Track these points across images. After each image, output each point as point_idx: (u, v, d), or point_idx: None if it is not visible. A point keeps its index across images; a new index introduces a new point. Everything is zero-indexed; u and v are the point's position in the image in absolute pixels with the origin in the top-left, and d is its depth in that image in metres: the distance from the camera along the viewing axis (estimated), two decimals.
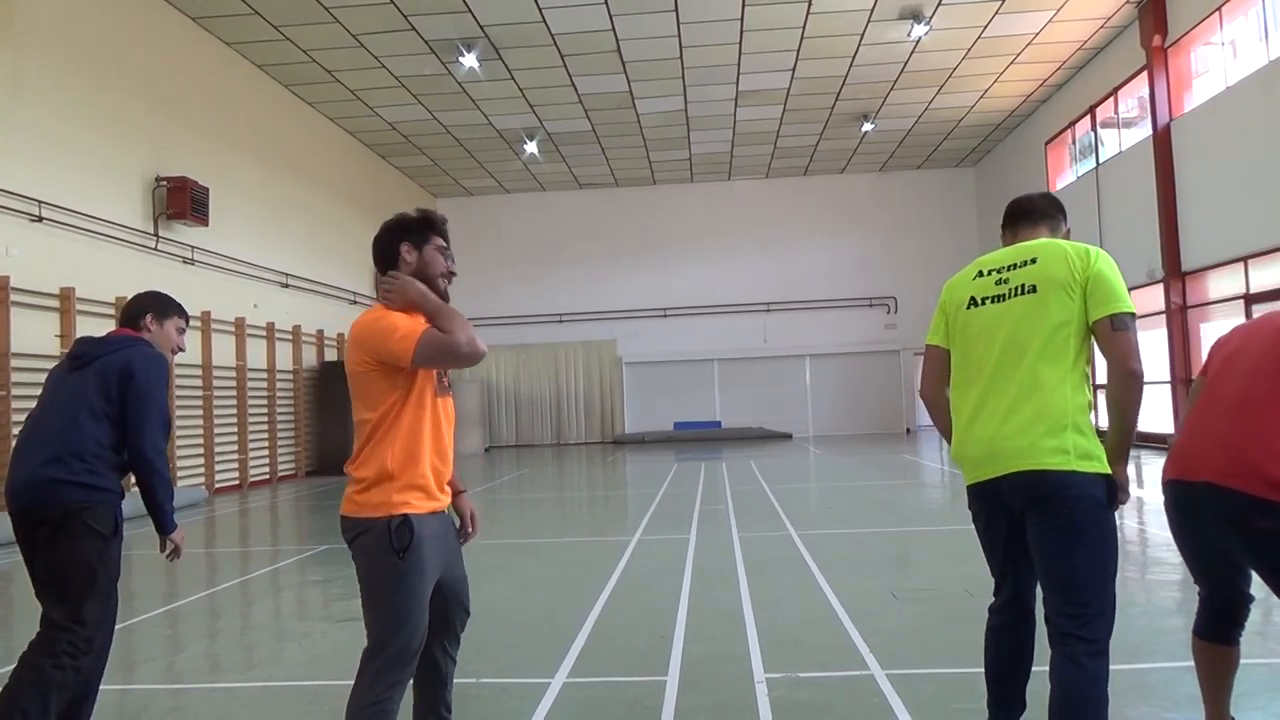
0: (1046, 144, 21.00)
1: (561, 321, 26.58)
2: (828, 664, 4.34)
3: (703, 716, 3.68)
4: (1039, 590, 2.81)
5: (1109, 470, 2.63)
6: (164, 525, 3.43)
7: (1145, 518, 8.78)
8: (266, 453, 16.29)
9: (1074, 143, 20.17)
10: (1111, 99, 17.96)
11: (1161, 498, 3.07)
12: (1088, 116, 19.03)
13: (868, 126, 21.35)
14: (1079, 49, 17.54)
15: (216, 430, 14.54)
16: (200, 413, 14.21)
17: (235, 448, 15.23)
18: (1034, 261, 2.78)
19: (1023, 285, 2.76)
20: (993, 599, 2.99)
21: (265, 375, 16.35)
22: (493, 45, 15.82)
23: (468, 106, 18.92)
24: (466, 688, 4.17)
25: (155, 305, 3.68)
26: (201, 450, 14.18)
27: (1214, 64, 14.89)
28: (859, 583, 5.98)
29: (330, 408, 17.84)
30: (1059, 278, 2.71)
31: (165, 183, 13.33)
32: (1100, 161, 18.61)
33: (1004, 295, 2.79)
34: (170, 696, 4.30)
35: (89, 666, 3.21)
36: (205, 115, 14.78)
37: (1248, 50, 13.87)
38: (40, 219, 10.87)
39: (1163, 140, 15.62)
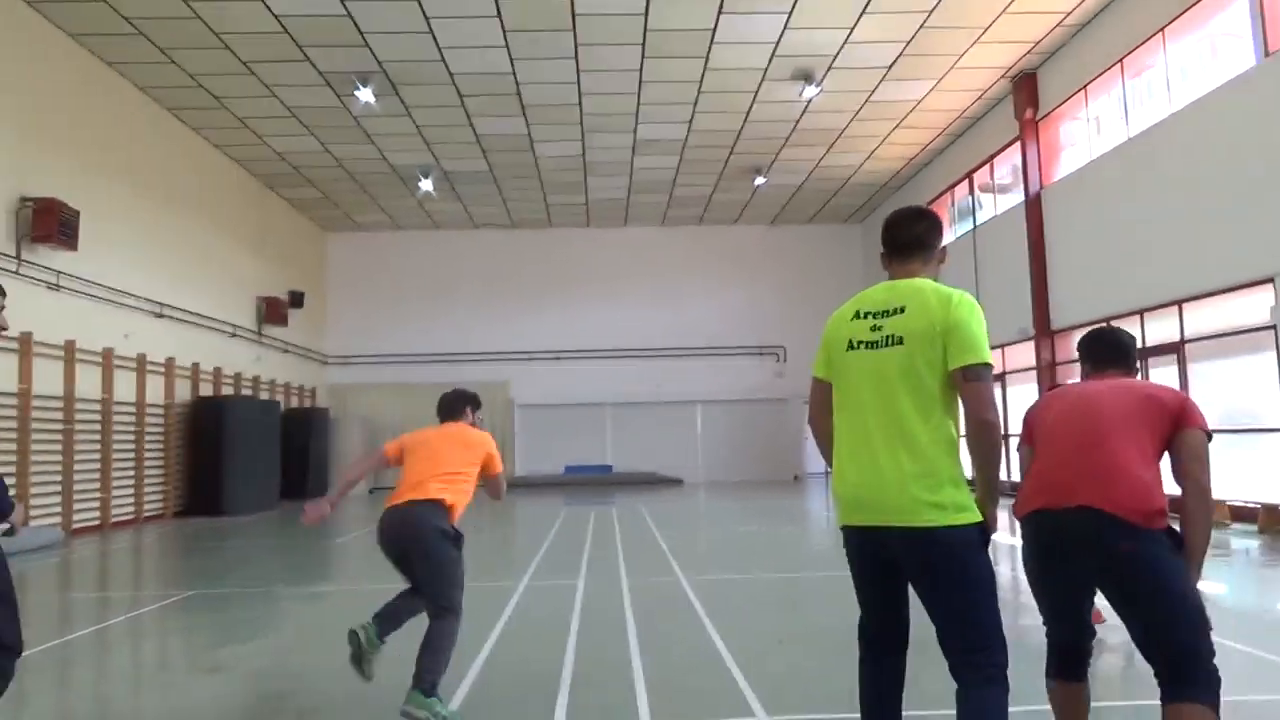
0: (928, 204, 22.02)
1: (452, 362, 26.15)
2: (715, 710, 4.31)
3: None
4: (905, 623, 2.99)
5: (980, 517, 2.76)
6: None
7: (1017, 564, 9.12)
8: (132, 492, 15.38)
9: (953, 204, 21.21)
10: (988, 165, 18.99)
11: (1018, 538, 3.25)
12: (965, 181, 20.06)
13: (760, 180, 21.96)
14: (958, 117, 18.53)
15: (77, 467, 13.65)
16: (60, 448, 13.32)
17: (97, 486, 14.32)
18: (902, 311, 2.84)
19: (891, 336, 2.83)
20: (861, 632, 3.06)
21: (134, 409, 15.49)
22: (390, 81, 15.65)
23: (362, 140, 18.62)
24: None
25: None
26: (60, 488, 13.27)
27: (1080, 138, 15.94)
28: (746, 627, 5.99)
29: (204, 445, 16.99)
30: (921, 330, 2.78)
31: (30, 204, 12.60)
32: (977, 224, 19.62)
33: (877, 343, 2.86)
34: None
35: None
36: (80, 136, 14.08)
37: (1110, 126, 14.91)
38: None
39: (1034, 206, 16.58)
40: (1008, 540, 10.08)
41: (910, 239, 3.06)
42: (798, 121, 18.20)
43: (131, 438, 15.42)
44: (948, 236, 21.45)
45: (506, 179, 21.66)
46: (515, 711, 4.37)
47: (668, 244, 26.72)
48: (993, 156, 18.61)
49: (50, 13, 13.04)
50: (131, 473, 15.38)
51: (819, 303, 25.99)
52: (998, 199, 18.95)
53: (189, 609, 7.55)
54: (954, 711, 2.72)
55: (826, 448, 3.07)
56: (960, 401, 2.78)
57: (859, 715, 3.03)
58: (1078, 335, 15.53)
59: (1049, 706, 3.36)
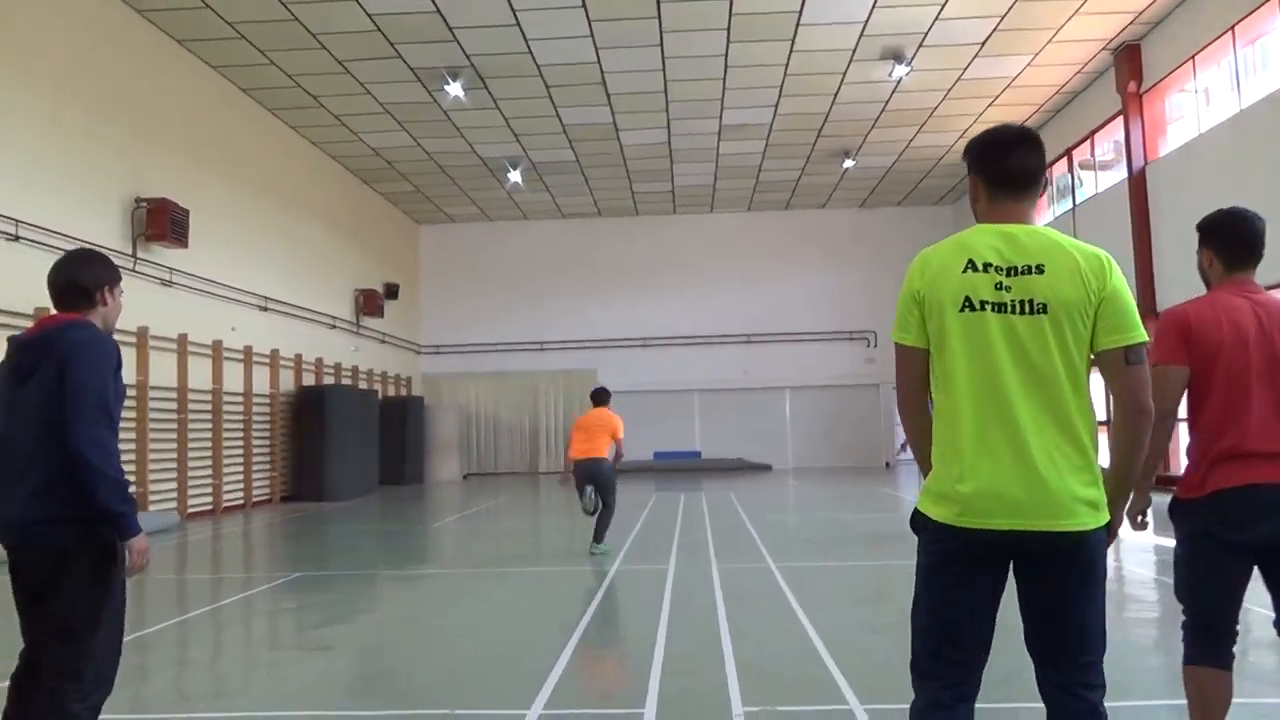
0: None
1: (542, 350, 26.54)
2: (806, 698, 4.30)
3: None
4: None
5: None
6: (122, 531, 2.91)
7: (1121, 556, 8.82)
8: (241, 478, 16.09)
9: (1051, 183, 20.48)
10: (1088, 142, 18.27)
11: (1186, 518, 3.07)
12: (1065, 159, 19.35)
13: (849, 163, 21.59)
14: (1056, 93, 17.86)
15: (191, 454, 14.35)
16: (175, 436, 14.02)
17: (210, 472, 15.03)
18: (1040, 270, 2.29)
19: (1030, 302, 2.27)
20: (930, 681, 2.38)
21: (242, 399, 16.19)
22: (478, 74, 15.91)
23: (452, 134, 18.98)
24: (439, 719, 4.11)
25: (108, 271, 3.15)
26: (175, 474, 13.98)
27: (1188, 110, 15.20)
28: (838, 616, 5.95)
29: (307, 433, 17.66)
30: (1073, 301, 2.27)
31: (145, 204, 13.25)
32: (1077, 203, 18.90)
33: (1006, 305, 2.29)
34: None
35: (100, 703, 2.95)
36: (187, 137, 14.74)
37: (1220, 98, 14.17)
38: (16, 238, 10.77)
39: (1138, 183, 15.89)
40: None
41: (1028, 171, 2.46)
42: (887, 102, 17.82)
43: (240, 426, 16.12)
44: (1045, 216, 20.74)
45: (593, 168, 21.81)
46: (608, 694, 4.45)
47: (754, 229, 26.51)
48: (1094, 132, 17.88)
49: (159, 21, 13.66)
50: (240, 460, 16.08)
51: None
52: (1099, 176, 18.22)
53: (297, 589, 7.89)
54: None
55: (923, 433, 2.48)
56: (1111, 385, 2.35)
57: None
58: None
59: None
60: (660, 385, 26.12)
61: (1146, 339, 2.33)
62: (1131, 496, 3.09)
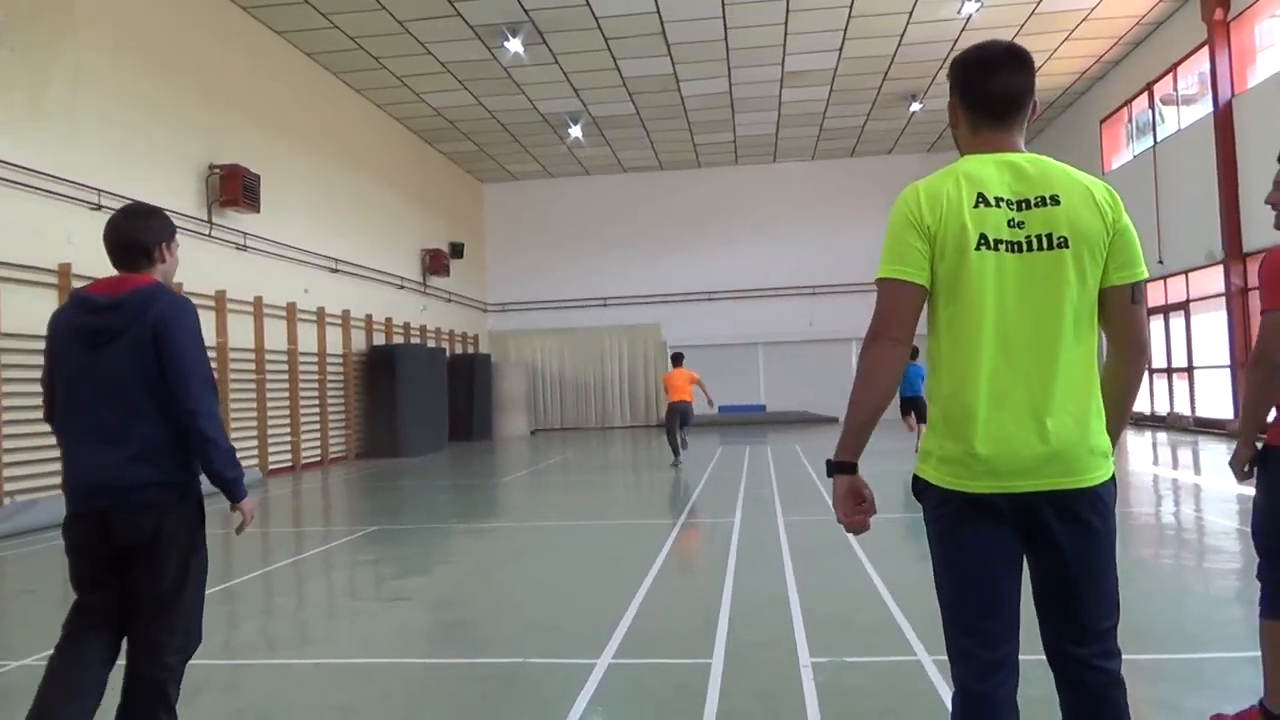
0: (1102, 122, 20.49)
1: (606, 305, 26.62)
2: (874, 648, 4.32)
3: (748, 700, 3.69)
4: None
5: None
6: (234, 495, 3.00)
7: (1203, 506, 8.59)
8: (318, 435, 16.58)
9: (1130, 121, 19.64)
10: (1170, 75, 17.45)
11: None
12: (1145, 94, 18.52)
13: (915, 106, 21.00)
14: (1136, 24, 17.05)
15: (270, 413, 14.83)
16: (254, 395, 14.50)
17: (288, 430, 15.52)
18: (1056, 201, 2.09)
19: (1049, 236, 2.07)
20: (971, 664, 2.11)
21: (316, 359, 16.62)
22: (537, 29, 15.83)
23: (512, 91, 18.97)
24: (514, 667, 4.23)
25: (165, 226, 3.08)
26: (255, 432, 14.48)
27: (1279, 38, 14.38)
28: (905, 568, 5.93)
29: (379, 391, 18.09)
30: (1094, 232, 2.08)
31: (218, 170, 13.58)
32: (1158, 140, 18.12)
33: (1022, 244, 2.07)
34: (229, 672, 4.42)
35: (192, 654, 3.02)
36: (256, 103, 15.01)
37: None
38: (99, 207, 11.14)
39: (1224, 117, 15.15)
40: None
41: (1011, 95, 2.22)
42: (956, 41, 17.23)
43: (316, 386, 16.57)
44: (1124, 156, 19.94)
45: (654, 120, 21.61)
46: (676, 645, 4.52)
47: (818, 178, 26.06)
48: (1176, 65, 17.06)
49: None
50: (317, 418, 16.56)
51: None
52: (1181, 111, 17.42)
53: (374, 542, 8.14)
54: None
55: (888, 386, 2.15)
56: (1113, 324, 2.16)
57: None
58: None
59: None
60: (724, 339, 26.05)
61: (1148, 276, 2.18)
62: (1236, 448, 3.01)
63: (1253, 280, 14.86)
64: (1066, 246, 2.07)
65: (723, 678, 3.95)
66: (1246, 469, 3.03)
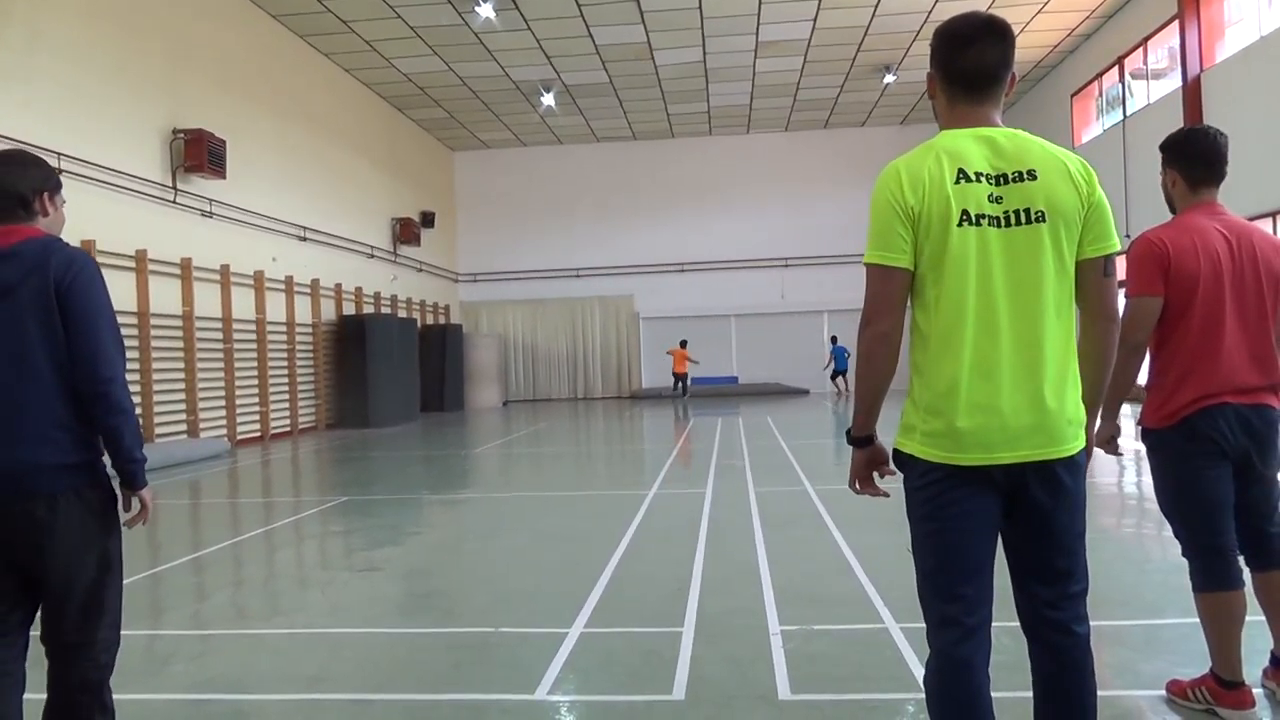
0: (1072, 96, 20.60)
1: (578, 276, 26.53)
2: (842, 617, 4.38)
3: (718, 667, 3.73)
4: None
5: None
6: (136, 480, 2.56)
7: (1143, 473, 8.75)
8: (287, 405, 16.44)
9: (1101, 95, 19.77)
10: (1141, 49, 17.56)
11: (1162, 446, 3.13)
12: (1116, 68, 18.63)
13: (889, 79, 20.99)
14: None
15: (238, 383, 14.68)
16: (221, 365, 14.33)
17: (256, 400, 15.38)
18: (1033, 176, 2.11)
19: (1028, 210, 2.10)
20: (951, 631, 2.15)
21: (285, 328, 16.44)
22: None
23: (484, 58, 18.72)
24: (485, 636, 4.25)
25: (47, 176, 2.61)
26: (224, 402, 14.33)
27: (1247, 12, 14.50)
28: (874, 538, 6.00)
29: (349, 362, 17.94)
30: (1070, 206, 2.12)
31: (183, 135, 13.30)
32: (1128, 114, 18.26)
33: (1002, 219, 2.10)
34: (199, 641, 4.40)
35: (116, 654, 2.62)
36: (222, 67, 14.69)
37: None
38: (59, 170, 10.89)
39: (1193, 91, 15.29)
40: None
41: (987, 68, 2.24)
42: (930, 12, 17.21)
43: (285, 355, 16.41)
44: (1094, 129, 20.07)
45: (627, 90, 21.44)
46: (647, 614, 4.56)
47: (792, 150, 26.03)
48: (1147, 39, 17.16)
49: None
50: (286, 388, 16.41)
51: None
52: (1151, 85, 17.54)
53: (345, 513, 8.11)
54: None
55: (885, 368, 2.23)
56: (1086, 296, 2.20)
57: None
58: None
59: None
60: (697, 310, 26.08)
61: (1119, 248, 2.23)
62: (1100, 422, 3.08)
63: None
64: (1044, 221, 2.10)
65: (693, 646, 3.98)
66: (1111, 443, 3.17)
